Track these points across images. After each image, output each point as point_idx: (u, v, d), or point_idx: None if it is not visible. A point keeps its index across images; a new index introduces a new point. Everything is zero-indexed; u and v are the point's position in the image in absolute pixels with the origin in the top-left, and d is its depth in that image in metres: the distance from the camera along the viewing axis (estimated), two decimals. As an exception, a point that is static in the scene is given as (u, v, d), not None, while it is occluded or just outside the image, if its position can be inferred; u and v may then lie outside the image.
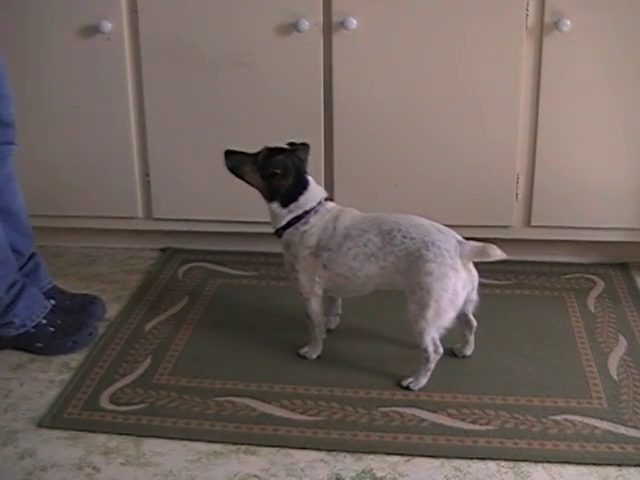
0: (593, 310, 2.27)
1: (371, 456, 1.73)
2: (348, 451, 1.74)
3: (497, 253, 1.87)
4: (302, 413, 1.86)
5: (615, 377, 1.96)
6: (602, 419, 1.81)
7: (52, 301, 2.17)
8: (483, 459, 1.71)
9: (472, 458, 1.72)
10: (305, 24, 2.30)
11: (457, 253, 1.87)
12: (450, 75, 2.33)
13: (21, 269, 2.15)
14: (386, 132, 2.41)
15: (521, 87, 2.32)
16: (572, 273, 2.47)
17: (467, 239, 2.55)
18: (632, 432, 1.77)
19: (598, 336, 2.14)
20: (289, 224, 1.97)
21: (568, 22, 2.21)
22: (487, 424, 1.81)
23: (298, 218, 1.97)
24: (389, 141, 2.42)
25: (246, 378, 1.98)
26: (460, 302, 1.90)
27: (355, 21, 2.28)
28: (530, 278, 2.44)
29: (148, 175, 2.53)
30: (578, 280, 2.43)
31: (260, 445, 1.76)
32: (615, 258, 2.53)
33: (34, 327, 2.10)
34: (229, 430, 1.81)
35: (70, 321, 2.15)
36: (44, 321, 2.11)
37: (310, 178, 2.00)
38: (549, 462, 1.70)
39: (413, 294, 1.88)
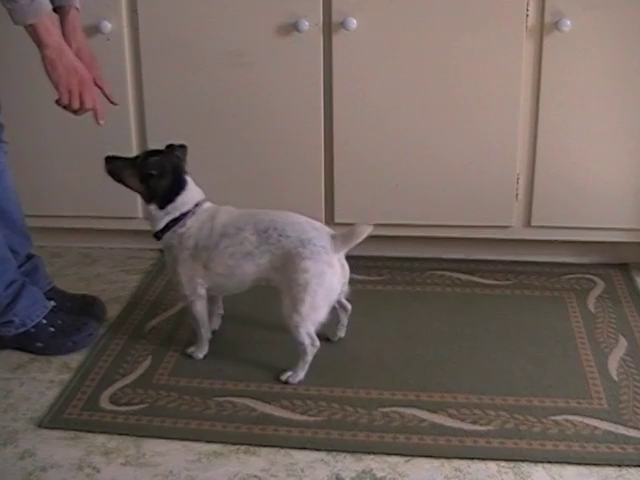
0: (593, 310, 2.27)
1: (371, 456, 1.73)
2: (348, 451, 1.74)
3: (366, 228, 1.88)
4: (302, 413, 1.86)
5: (615, 377, 1.96)
6: (602, 419, 1.81)
7: (52, 302, 2.17)
8: (483, 459, 1.71)
9: (472, 458, 1.72)
10: (305, 24, 2.30)
11: (332, 249, 1.90)
12: (450, 75, 2.33)
13: (19, 269, 2.14)
14: (386, 132, 2.41)
15: (521, 87, 2.32)
16: (572, 273, 2.47)
17: (467, 239, 2.57)
18: (632, 432, 1.77)
19: (598, 336, 2.14)
20: (167, 227, 1.99)
21: (568, 22, 2.21)
22: (487, 424, 1.81)
23: (175, 221, 1.98)
24: (389, 141, 2.41)
25: (246, 378, 1.98)
26: (335, 297, 1.94)
27: (355, 21, 2.28)
28: (530, 278, 2.44)
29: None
30: (578, 280, 2.43)
31: (260, 445, 1.76)
32: (615, 258, 2.53)
33: (34, 327, 2.10)
34: (229, 430, 1.81)
35: (70, 321, 2.15)
36: (44, 321, 2.11)
37: (189, 179, 2.01)
38: (549, 462, 1.70)
39: (289, 290, 1.90)
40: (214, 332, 2.14)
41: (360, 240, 1.90)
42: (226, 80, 2.41)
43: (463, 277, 2.45)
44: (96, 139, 2.50)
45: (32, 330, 2.09)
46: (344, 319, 2.12)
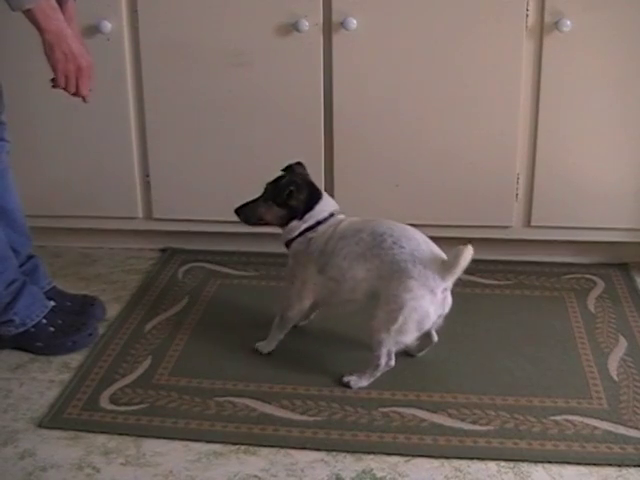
0: (593, 310, 2.27)
1: (371, 456, 1.73)
2: (348, 451, 1.74)
3: (469, 251, 1.83)
4: (302, 413, 1.86)
5: (615, 377, 1.96)
6: (602, 419, 1.81)
7: (52, 302, 2.17)
8: (483, 459, 1.71)
9: (472, 458, 1.72)
10: (305, 24, 2.30)
11: (441, 276, 1.85)
12: (450, 75, 2.33)
13: (19, 269, 2.14)
14: (386, 132, 2.41)
15: (521, 87, 2.32)
16: (572, 273, 2.47)
17: (467, 239, 2.56)
18: (632, 432, 1.77)
19: (598, 336, 2.14)
20: (300, 234, 2.00)
21: (568, 22, 2.21)
22: (487, 424, 1.81)
23: (309, 228, 1.99)
24: (389, 141, 2.42)
25: (246, 378, 1.98)
26: (428, 326, 1.90)
27: (355, 21, 2.28)
28: (530, 278, 2.44)
29: (148, 175, 2.53)
30: (578, 280, 2.43)
31: (260, 445, 1.76)
32: (615, 258, 2.53)
33: (34, 326, 2.10)
34: (229, 430, 1.81)
35: (70, 321, 2.15)
36: (44, 321, 2.11)
37: (321, 190, 2.04)
38: (549, 462, 1.70)
39: (386, 304, 1.87)
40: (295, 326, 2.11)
41: (465, 264, 1.84)
42: (226, 80, 2.41)
43: (463, 277, 2.41)
44: (96, 139, 2.51)
45: (32, 330, 2.09)
46: (425, 346, 2.04)
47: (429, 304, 1.86)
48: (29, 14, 1.82)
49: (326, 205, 2.02)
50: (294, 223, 2.00)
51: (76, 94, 1.93)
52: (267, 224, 2.04)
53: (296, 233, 2.00)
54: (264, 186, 2.02)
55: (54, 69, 1.88)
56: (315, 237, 1.98)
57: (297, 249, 2.01)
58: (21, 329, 2.09)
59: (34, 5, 1.80)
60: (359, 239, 1.92)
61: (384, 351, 1.90)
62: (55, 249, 2.68)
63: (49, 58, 1.87)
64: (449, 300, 1.92)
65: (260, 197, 2.02)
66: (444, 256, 1.89)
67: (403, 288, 1.84)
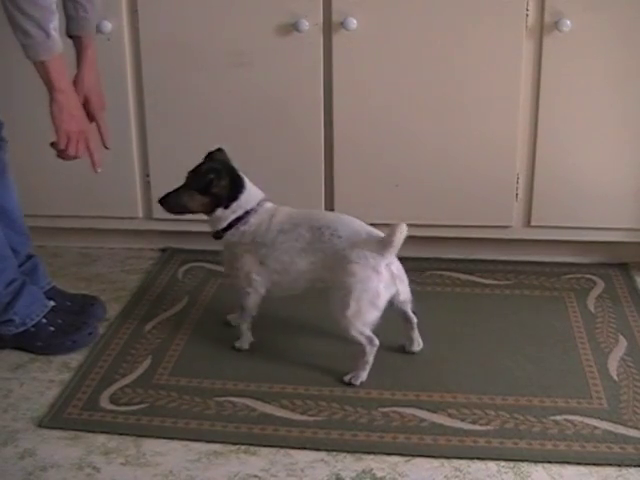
0: (593, 310, 2.27)
1: (371, 456, 1.73)
2: (348, 451, 1.74)
3: (402, 228, 1.87)
4: (302, 413, 1.86)
5: (615, 377, 1.96)
6: (602, 419, 1.81)
7: (52, 302, 2.17)
8: (483, 459, 1.71)
9: (472, 458, 1.72)
10: (305, 24, 2.30)
11: (381, 254, 1.89)
12: (450, 75, 2.33)
13: (19, 268, 2.14)
14: (386, 132, 2.41)
15: (521, 87, 2.32)
16: (572, 273, 2.47)
17: (467, 239, 2.56)
18: (632, 432, 1.77)
19: (598, 336, 2.14)
20: (230, 225, 2.01)
21: (568, 22, 2.21)
22: (487, 424, 1.81)
23: (239, 219, 2.00)
24: (389, 141, 2.42)
25: (246, 378, 1.98)
26: (382, 303, 1.91)
27: (355, 21, 2.28)
28: (530, 278, 2.44)
29: (148, 175, 2.53)
30: (578, 280, 2.43)
31: (260, 445, 1.76)
32: (615, 258, 2.53)
33: (34, 326, 2.09)
34: (229, 430, 1.81)
35: (70, 321, 2.15)
36: (44, 320, 2.11)
37: (245, 177, 2.04)
38: (549, 462, 1.70)
39: (336, 291, 1.91)
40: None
41: (400, 240, 1.88)
42: (226, 80, 2.41)
43: (463, 277, 2.45)
44: (96, 139, 2.50)
45: (32, 329, 2.09)
46: (410, 332, 2.04)
47: (377, 282, 1.89)
48: (42, 67, 1.84)
49: (252, 194, 2.03)
50: (220, 212, 2.01)
51: (74, 157, 1.94)
52: (192, 212, 2.04)
53: (225, 224, 2.01)
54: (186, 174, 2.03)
55: (58, 128, 1.90)
56: (247, 230, 1.99)
57: (230, 241, 2.02)
58: (21, 329, 2.09)
59: (50, 58, 1.82)
60: (298, 235, 1.95)
61: (355, 333, 1.91)
62: (55, 249, 2.68)
63: (55, 118, 1.89)
64: (400, 273, 1.95)
65: (182, 186, 2.02)
66: (381, 234, 1.93)
67: (347, 273, 1.89)
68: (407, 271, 2.51)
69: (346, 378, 1.95)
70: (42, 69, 1.84)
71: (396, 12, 2.29)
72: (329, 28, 2.32)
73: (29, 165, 2.47)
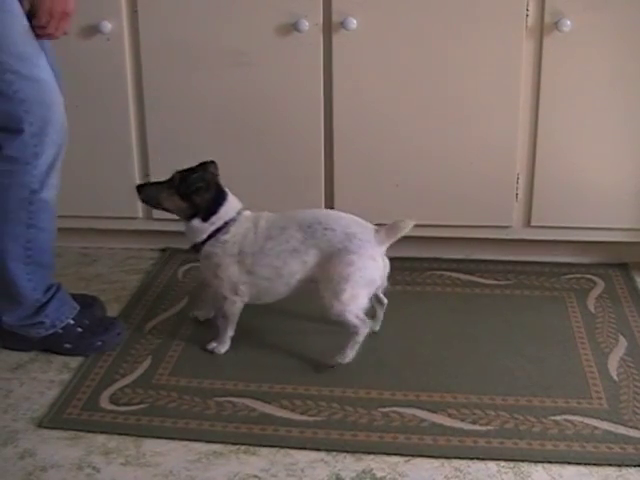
0: (593, 310, 2.27)
1: (371, 456, 1.73)
2: (348, 451, 1.74)
3: (407, 222, 1.94)
4: (302, 413, 1.86)
5: (615, 377, 1.96)
6: (602, 419, 1.81)
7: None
8: (483, 459, 1.71)
9: (472, 458, 1.72)
10: (305, 24, 2.30)
11: (376, 243, 1.94)
12: (450, 75, 2.33)
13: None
14: (386, 132, 2.41)
15: (521, 87, 2.32)
16: (572, 273, 2.47)
17: (467, 239, 2.56)
18: (632, 432, 1.77)
19: (598, 336, 2.14)
20: (209, 237, 2.01)
21: (568, 22, 2.21)
22: (487, 424, 1.81)
23: (218, 230, 2.00)
24: (389, 141, 2.42)
25: (246, 378, 1.98)
26: (374, 289, 1.98)
27: (355, 21, 2.28)
28: (530, 278, 2.44)
29: (148, 175, 2.53)
30: (578, 280, 2.43)
31: (260, 445, 1.76)
32: (615, 258, 2.53)
33: (62, 328, 2.09)
34: (229, 430, 1.81)
35: (97, 321, 2.14)
36: (72, 322, 2.10)
37: (227, 190, 2.04)
38: (549, 462, 1.70)
39: (329, 282, 1.93)
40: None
41: (402, 234, 1.94)
42: (226, 80, 2.41)
43: (463, 277, 2.45)
44: (96, 139, 2.51)
45: (60, 331, 2.09)
46: (380, 313, 2.13)
47: (373, 270, 1.95)
48: None
49: (231, 205, 2.02)
50: (197, 223, 2.00)
51: (50, 36, 1.88)
52: (165, 210, 2.04)
53: (204, 236, 2.01)
54: (172, 172, 2.02)
55: (39, 6, 1.81)
56: (230, 239, 1.99)
57: (210, 252, 2.01)
58: (50, 331, 2.08)
59: None
60: (288, 236, 1.96)
61: (350, 316, 1.94)
62: (55, 249, 2.67)
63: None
64: (387, 262, 1.99)
65: (166, 182, 2.02)
66: (371, 225, 1.97)
67: (345, 264, 1.92)
68: (408, 271, 2.52)
69: (332, 362, 1.97)
70: None
71: (396, 12, 2.29)
72: (329, 28, 2.32)
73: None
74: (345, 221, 1.97)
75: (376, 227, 1.97)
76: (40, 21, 1.84)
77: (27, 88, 1.83)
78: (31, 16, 1.84)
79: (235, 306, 2.05)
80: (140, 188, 2.07)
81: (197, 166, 2.04)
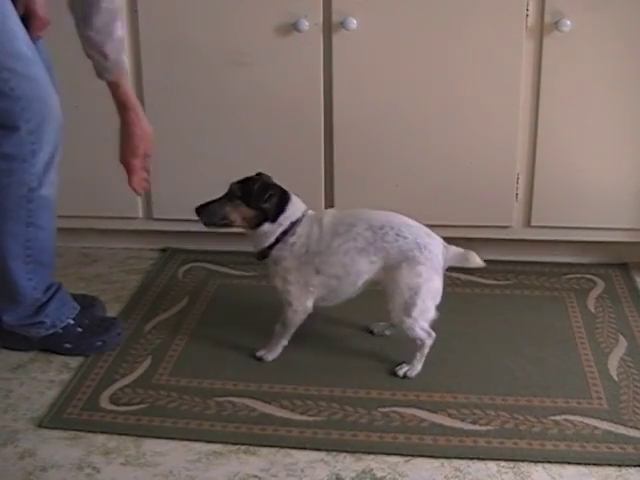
0: (593, 310, 2.27)
1: (371, 456, 1.73)
2: (348, 451, 1.74)
3: (477, 261, 1.99)
4: (302, 413, 1.86)
5: (615, 377, 1.96)
6: (602, 419, 1.81)
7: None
8: (483, 459, 1.71)
9: (472, 458, 1.72)
10: (305, 24, 2.30)
11: (443, 257, 1.95)
12: (450, 75, 2.33)
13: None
14: (386, 132, 2.41)
15: (521, 87, 2.32)
16: (572, 273, 2.47)
17: (467, 239, 2.56)
18: (632, 432, 1.77)
19: (598, 336, 2.14)
20: (277, 241, 1.98)
21: (568, 22, 2.21)
22: (487, 424, 1.81)
23: (285, 232, 1.97)
24: (389, 141, 2.42)
25: (246, 378, 1.98)
26: (438, 301, 1.97)
27: (355, 21, 2.28)
28: (530, 278, 2.44)
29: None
30: (578, 280, 2.43)
31: (260, 445, 1.76)
32: (615, 258, 2.53)
33: (62, 328, 2.09)
34: (229, 430, 1.81)
35: (98, 321, 2.14)
36: (72, 322, 2.10)
37: (289, 191, 2.02)
38: (549, 462, 1.70)
39: (399, 295, 1.92)
40: None
41: (466, 266, 2.00)
42: (226, 80, 2.41)
43: (463, 277, 2.45)
44: (96, 139, 2.51)
45: (60, 331, 2.08)
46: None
47: (438, 283, 1.96)
48: (114, 86, 1.88)
49: (297, 205, 2.00)
50: (267, 227, 1.96)
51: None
52: (231, 224, 1.99)
53: (273, 239, 1.97)
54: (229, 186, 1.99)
55: (134, 149, 1.96)
56: (297, 241, 1.96)
57: (280, 255, 1.98)
58: (51, 331, 2.08)
59: (124, 76, 1.88)
60: (356, 234, 1.94)
61: (418, 330, 1.95)
62: (55, 249, 2.67)
63: (131, 136, 1.94)
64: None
65: (225, 196, 1.97)
66: (439, 239, 1.97)
67: (414, 275, 1.91)
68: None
69: (400, 372, 1.97)
70: (114, 87, 1.89)
71: (396, 12, 2.29)
72: (329, 28, 2.32)
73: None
74: (416, 230, 1.95)
75: (444, 242, 1.97)
76: (136, 162, 1.96)
77: (23, 86, 1.83)
78: (25, 19, 1.88)
79: (298, 316, 2.01)
80: (200, 209, 1.99)
81: (251, 177, 1.99)
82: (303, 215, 1.99)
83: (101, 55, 1.83)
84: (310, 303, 2.01)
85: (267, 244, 1.98)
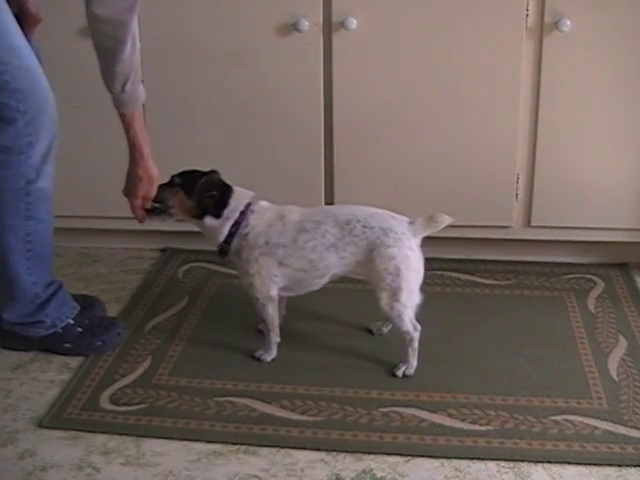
0: (593, 310, 2.27)
1: (371, 456, 1.73)
2: (348, 451, 1.74)
3: (444, 218, 1.93)
4: (302, 413, 1.86)
5: (615, 377, 1.96)
6: (602, 419, 1.81)
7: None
8: (483, 459, 1.71)
9: (472, 458, 1.72)
10: (305, 24, 2.30)
11: (411, 234, 1.93)
12: (450, 75, 2.33)
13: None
14: (386, 132, 2.41)
15: (521, 87, 2.32)
16: (572, 273, 2.47)
17: (467, 239, 2.56)
18: (632, 432, 1.77)
19: (598, 336, 2.14)
20: (231, 234, 1.98)
21: (568, 22, 2.21)
22: (487, 424, 1.81)
23: (237, 224, 1.97)
24: (389, 141, 2.42)
25: (246, 378, 1.99)
26: (421, 278, 1.96)
27: (355, 21, 2.28)
28: (530, 278, 2.44)
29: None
30: (578, 280, 2.43)
31: (260, 445, 1.76)
32: (615, 258, 2.53)
33: (62, 328, 2.09)
34: (229, 430, 1.81)
35: (97, 321, 2.14)
36: (72, 321, 2.10)
37: (231, 184, 2.02)
38: (549, 462, 1.70)
39: (381, 281, 1.92)
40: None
41: (438, 229, 1.94)
42: (226, 80, 2.41)
43: (463, 277, 2.45)
44: (95, 139, 2.51)
45: (60, 331, 2.08)
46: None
47: (415, 260, 1.94)
48: (129, 117, 1.92)
49: (241, 195, 2.00)
50: (213, 221, 1.98)
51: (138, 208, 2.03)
52: (170, 213, 2.02)
53: (225, 233, 1.98)
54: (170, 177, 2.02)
55: (133, 188, 1.98)
56: (252, 231, 1.97)
57: (237, 247, 1.98)
58: (51, 330, 2.08)
59: (138, 108, 1.91)
60: (324, 231, 1.94)
61: (407, 320, 1.94)
62: (55, 249, 2.67)
63: (132, 175, 1.97)
64: (421, 254, 1.98)
65: (166, 183, 2.01)
66: (404, 218, 1.96)
67: (388, 258, 1.91)
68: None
69: (399, 372, 1.97)
70: (128, 118, 1.92)
71: (396, 12, 2.29)
72: (329, 28, 2.32)
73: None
74: (381, 216, 1.95)
75: (409, 219, 1.96)
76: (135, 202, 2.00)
77: (19, 78, 1.83)
78: (18, 18, 1.88)
79: (267, 307, 2.01)
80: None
81: (196, 170, 2.02)
82: (250, 204, 1.99)
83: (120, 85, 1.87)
84: (274, 292, 2.00)
85: (222, 239, 1.99)
